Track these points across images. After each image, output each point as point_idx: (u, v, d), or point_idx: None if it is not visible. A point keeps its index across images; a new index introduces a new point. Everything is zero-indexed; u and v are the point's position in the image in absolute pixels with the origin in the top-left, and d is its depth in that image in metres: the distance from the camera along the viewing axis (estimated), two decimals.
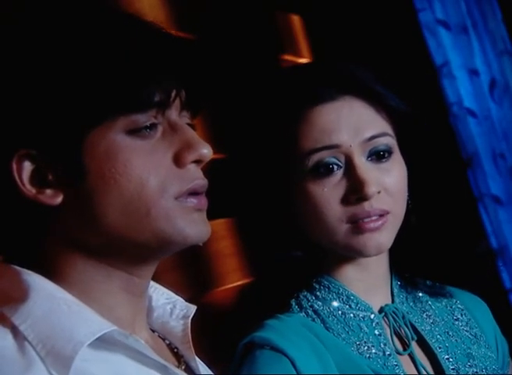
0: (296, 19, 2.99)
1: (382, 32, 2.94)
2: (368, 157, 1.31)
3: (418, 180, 1.38)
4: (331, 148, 1.29)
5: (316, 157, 1.29)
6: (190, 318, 1.13)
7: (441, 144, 1.49)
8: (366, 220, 1.29)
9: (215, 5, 2.51)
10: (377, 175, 1.30)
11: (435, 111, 2.88)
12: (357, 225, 1.29)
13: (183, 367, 1.09)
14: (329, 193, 1.29)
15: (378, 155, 1.31)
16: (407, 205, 1.36)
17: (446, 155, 1.50)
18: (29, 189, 0.97)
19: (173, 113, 1.02)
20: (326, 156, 1.29)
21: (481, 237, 1.55)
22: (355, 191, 1.28)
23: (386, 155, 1.32)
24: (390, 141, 1.33)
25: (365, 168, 1.29)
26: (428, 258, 1.43)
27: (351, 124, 1.30)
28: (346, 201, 1.29)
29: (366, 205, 1.28)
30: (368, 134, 1.31)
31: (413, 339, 1.37)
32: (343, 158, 1.30)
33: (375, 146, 1.31)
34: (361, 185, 1.28)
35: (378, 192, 1.29)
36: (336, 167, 1.30)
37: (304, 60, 2.93)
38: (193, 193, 1.01)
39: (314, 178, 1.30)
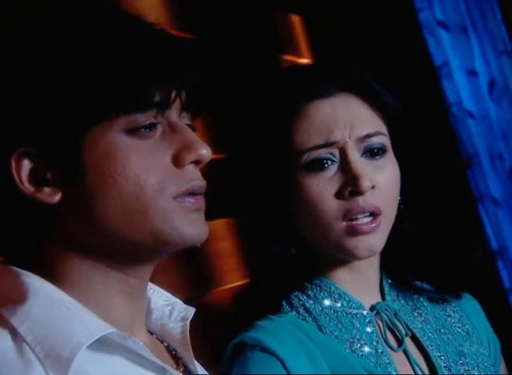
0: (296, 19, 2.99)
1: (381, 32, 2.94)
2: (362, 153, 1.32)
3: (412, 181, 1.38)
4: (328, 146, 1.30)
5: (313, 154, 1.30)
6: (189, 320, 1.13)
7: (439, 143, 1.49)
8: (359, 222, 1.29)
9: (215, 5, 2.51)
10: (370, 171, 1.30)
11: (435, 111, 2.88)
12: (350, 226, 1.29)
13: (182, 369, 1.09)
14: (324, 187, 1.30)
15: (372, 152, 1.33)
16: (399, 207, 1.36)
17: (443, 155, 1.50)
18: (27, 187, 0.97)
19: (173, 114, 1.02)
20: (323, 153, 1.30)
21: (479, 237, 1.54)
22: (350, 185, 1.29)
23: (380, 152, 1.33)
24: (384, 140, 1.34)
25: (360, 163, 1.30)
26: (425, 260, 1.43)
27: (347, 120, 1.31)
28: (340, 195, 1.30)
29: (360, 200, 1.29)
30: (364, 132, 1.32)
31: (407, 335, 1.37)
32: (337, 154, 1.31)
33: (369, 144, 1.32)
34: (356, 179, 1.29)
35: (372, 187, 1.30)
36: (330, 162, 1.31)
37: (303, 60, 2.93)
38: (191, 193, 1.01)
39: (308, 172, 1.31)
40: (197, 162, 1.01)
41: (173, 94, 1.00)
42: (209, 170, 1.08)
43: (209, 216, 1.04)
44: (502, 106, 3.09)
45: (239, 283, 2.26)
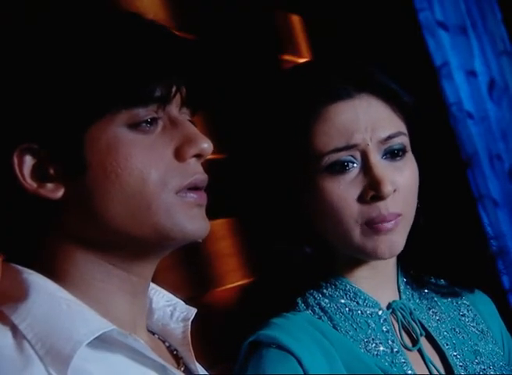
0: (296, 19, 2.99)
1: (382, 32, 2.94)
2: (383, 155, 1.30)
3: (427, 180, 1.37)
4: (349, 149, 1.29)
5: (334, 157, 1.29)
6: (190, 320, 1.12)
7: (444, 144, 1.49)
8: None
9: (215, 4, 2.51)
10: (391, 173, 1.30)
11: (435, 111, 2.88)
12: (371, 226, 1.29)
13: (182, 369, 1.09)
14: (345, 190, 1.28)
15: (393, 154, 1.31)
16: (416, 206, 1.35)
17: (450, 155, 1.50)
18: (30, 183, 0.97)
19: (174, 109, 1.02)
20: (344, 156, 1.29)
21: (483, 238, 1.54)
22: (372, 190, 1.28)
23: (401, 153, 1.31)
24: (405, 139, 1.32)
25: (381, 166, 1.29)
26: (433, 258, 1.42)
27: (369, 123, 1.30)
28: (362, 199, 1.28)
29: (382, 206, 1.28)
30: (385, 134, 1.30)
31: (421, 335, 1.36)
32: (358, 156, 1.29)
33: (390, 145, 1.31)
34: (378, 183, 1.27)
35: (394, 191, 1.29)
36: (351, 164, 1.29)
37: (304, 60, 2.93)
38: (194, 188, 1.01)
39: (329, 175, 1.29)
40: (198, 156, 1.01)
41: (173, 89, 1.00)
42: (210, 170, 1.08)
43: (209, 215, 1.04)
44: (501, 106, 3.09)
45: (239, 283, 2.26)
